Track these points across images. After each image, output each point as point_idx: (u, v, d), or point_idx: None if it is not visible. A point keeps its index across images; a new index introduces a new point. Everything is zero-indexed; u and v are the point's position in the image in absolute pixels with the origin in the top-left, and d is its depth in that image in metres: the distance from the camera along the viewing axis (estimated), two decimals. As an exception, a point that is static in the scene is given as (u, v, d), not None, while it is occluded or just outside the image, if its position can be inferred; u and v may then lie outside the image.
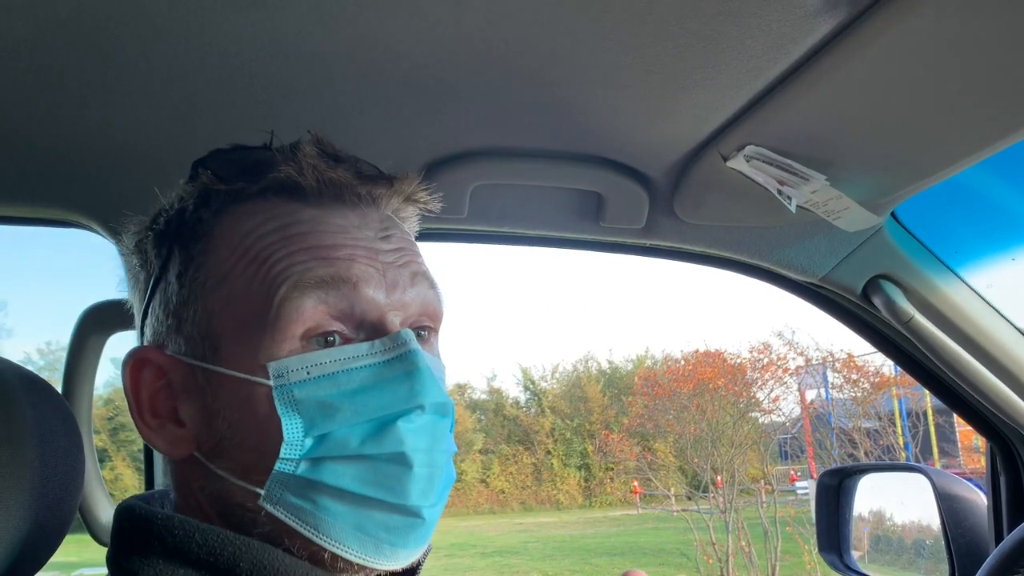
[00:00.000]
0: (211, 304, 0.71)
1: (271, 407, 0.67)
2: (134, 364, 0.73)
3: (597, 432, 22.63)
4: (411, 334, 0.70)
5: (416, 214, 0.82)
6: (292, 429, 0.66)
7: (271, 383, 0.67)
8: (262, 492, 0.67)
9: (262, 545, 0.67)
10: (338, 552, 0.67)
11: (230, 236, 0.72)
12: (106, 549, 1.32)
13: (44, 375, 0.84)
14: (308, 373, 0.67)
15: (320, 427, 0.67)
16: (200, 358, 0.70)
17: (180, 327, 0.72)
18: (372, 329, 0.70)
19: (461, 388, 27.97)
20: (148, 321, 0.76)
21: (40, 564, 0.78)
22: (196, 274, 0.72)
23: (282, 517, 0.67)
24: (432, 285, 0.76)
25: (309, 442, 0.67)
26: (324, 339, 0.69)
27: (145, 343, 0.75)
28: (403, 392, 0.68)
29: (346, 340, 0.70)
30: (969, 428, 1.58)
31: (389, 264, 0.72)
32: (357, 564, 0.68)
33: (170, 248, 0.75)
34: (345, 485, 0.66)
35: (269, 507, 0.67)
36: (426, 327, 0.76)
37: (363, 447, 0.67)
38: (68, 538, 0.85)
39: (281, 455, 0.66)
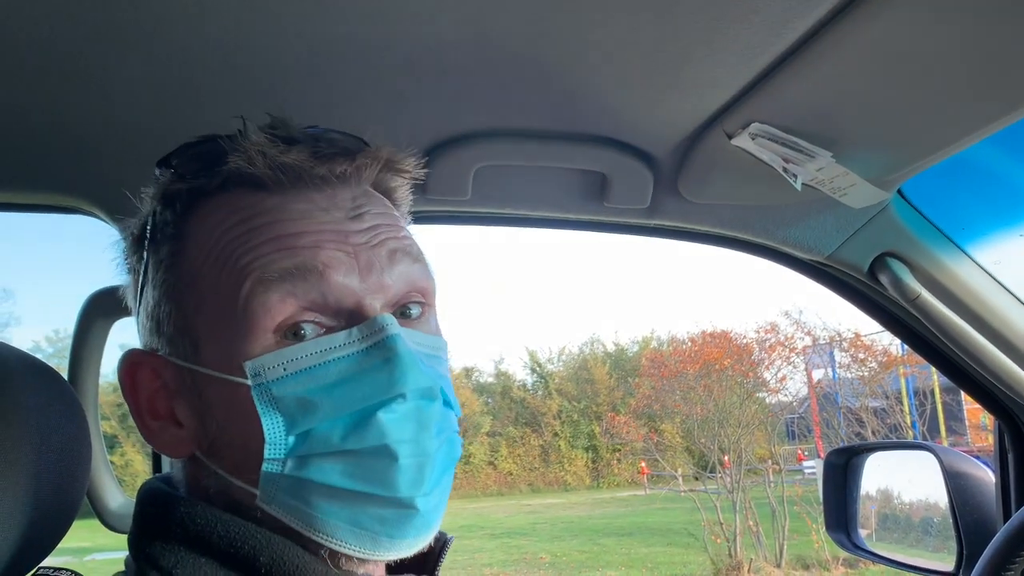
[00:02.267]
0: (186, 305, 0.70)
1: (252, 406, 0.65)
2: (128, 367, 0.73)
3: (604, 414, 22.70)
4: (390, 319, 0.67)
5: (406, 184, 0.79)
6: (273, 428, 0.65)
7: (249, 382, 0.65)
8: (257, 492, 0.67)
9: (283, 541, 0.66)
10: (336, 548, 0.66)
11: (196, 234, 0.71)
12: (116, 535, 1.34)
13: (53, 363, 0.84)
14: (285, 369, 0.65)
15: (301, 424, 0.65)
16: (184, 358, 0.70)
17: (159, 329, 0.72)
18: (350, 316, 0.68)
19: (468, 371, 28.08)
20: (139, 323, 0.76)
21: (48, 549, 0.79)
22: (167, 276, 0.71)
23: (278, 515, 0.66)
24: (416, 259, 0.73)
25: (292, 440, 0.65)
26: (296, 332, 0.66)
27: (141, 345, 0.75)
28: (382, 381, 0.65)
29: (328, 330, 0.67)
30: (977, 406, 1.57)
31: (362, 245, 0.69)
32: (357, 558, 0.67)
33: (145, 252, 0.74)
34: (333, 481, 0.65)
35: (265, 507, 0.67)
36: (416, 303, 0.73)
37: (345, 442, 0.65)
38: (80, 523, 0.85)
39: (265, 455, 0.65)
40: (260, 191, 0.70)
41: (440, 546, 0.79)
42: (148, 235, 0.74)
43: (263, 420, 0.65)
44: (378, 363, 0.66)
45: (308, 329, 0.67)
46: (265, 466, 0.65)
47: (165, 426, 0.72)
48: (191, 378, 0.69)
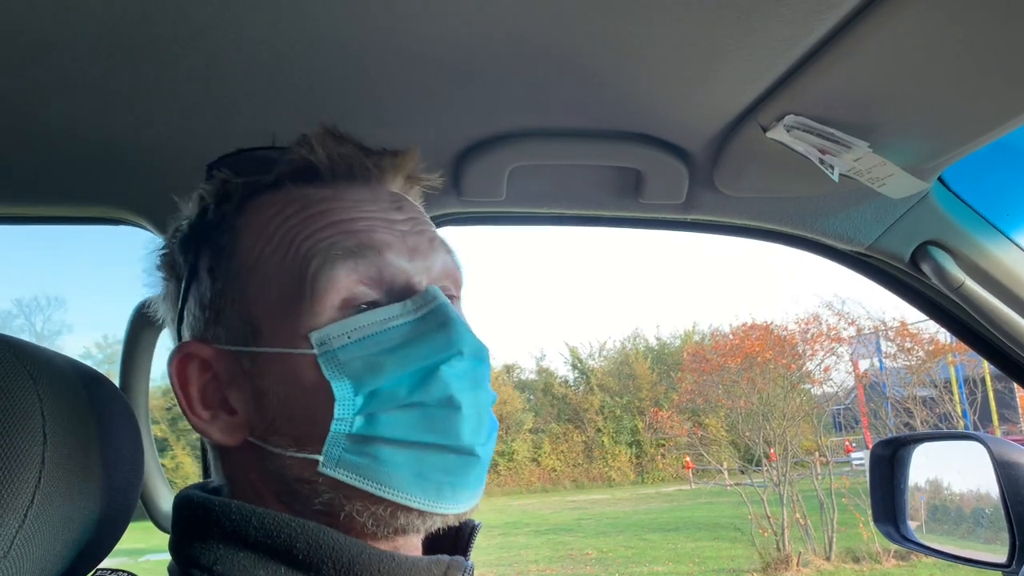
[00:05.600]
0: (246, 290, 0.74)
1: (318, 374, 0.69)
2: (180, 360, 0.75)
3: (647, 409, 22.59)
4: (438, 290, 0.74)
5: (420, 196, 0.86)
6: (342, 389, 0.69)
7: (315, 352, 0.69)
8: (320, 458, 0.69)
9: (317, 526, 0.69)
10: (401, 501, 0.69)
11: (254, 225, 0.75)
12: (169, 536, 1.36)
13: (104, 368, 0.86)
14: (349, 337, 0.70)
15: (368, 384, 0.69)
16: (243, 343, 0.73)
17: (218, 318, 0.75)
18: (401, 292, 0.74)
19: (509, 368, 28.14)
20: (185, 322, 0.78)
21: (107, 551, 0.81)
22: (228, 264, 0.75)
23: (342, 478, 0.69)
24: (449, 251, 0.80)
25: (360, 400, 0.69)
26: (358, 307, 0.72)
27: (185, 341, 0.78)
28: (441, 341, 0.71)
29: (378, 306, 0.73)
30: (1029, 393, 1.54)
31: (406, 232, 0.76)
32: (418, 511, 0.70)
33: (197, 248, 0.78)
34: (400, 435, 0.69)
35: (328, 471, 0.69)
36: (450, 294, 0.79)
37: (412, 395, 0.70)
38: (134, 525, 0.88)
39: (335, 415, 0.69)
40: (312, 185, 0.76)
41: (469, 531, 0.83)
42: (202, 229, 0.78)
43: (332, 383, 0.69)
44: (434, 326, 0.72)
45: (365, 304, 0.72)
46: (334, 426, 0.69)
47: (216, 415, 0.75)
48: (250, 362, 0.72)
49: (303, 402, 0.70)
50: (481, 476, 0.73)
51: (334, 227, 0.73)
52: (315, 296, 0.70)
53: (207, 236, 0.77)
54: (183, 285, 0.78)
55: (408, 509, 0.70)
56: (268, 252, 0.74)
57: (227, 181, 0.77)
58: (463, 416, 0.70)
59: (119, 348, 1.35)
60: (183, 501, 0.74)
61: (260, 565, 0.68)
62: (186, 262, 0.79)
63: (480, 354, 0.73)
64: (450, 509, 0.71)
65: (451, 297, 0.79)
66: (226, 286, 0.75)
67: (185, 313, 0.78)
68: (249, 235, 0.75)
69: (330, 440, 0.69)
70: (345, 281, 0.71)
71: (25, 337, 0.76)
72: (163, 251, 0.82)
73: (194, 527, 0.72)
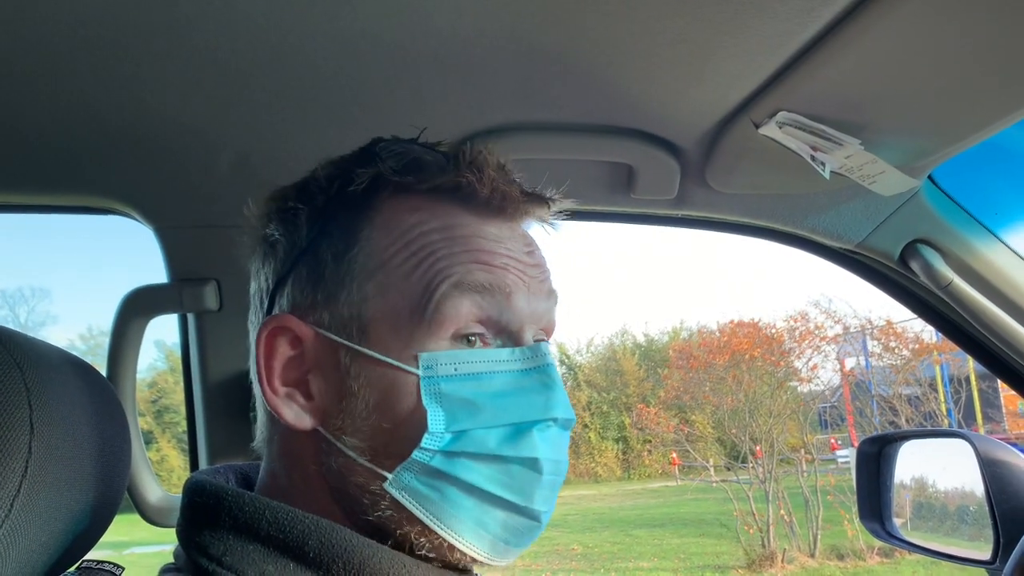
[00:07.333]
0: (366, 287, 0.72)
1: (416, 397, 0.69)
2: (272, 331, 0.74)
3: (634, 405, 22.64)
4: (548, 348, 0.75)
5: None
6: (436, 421, 0.69)
7: (420, 373, 0.69)
8: (389, 476, 0.69)
9: (331, 524, 0.68)
10: (455, 544, 0.70)
11: (392, 225, 0.74)
12: (154, 528, 1.36)
13: (88, 360, 0.86)
14: (455, 369, 0.70)
15: (461, 423, 0.69)
16: (347, 337, 0.72)
17: (330, 303, 0.73)
18: (510, 337, 0.74)
19: (496, 364, 28.02)
20: (285, 291, 0.76)
21: (93, 542, 0.81)
22: (357, 256, 0.74)
23: (405, 503, 0.69)
24: (556, 303, 0.80)
25: (448, 436, 0.69)
26: (468, 339, 0.72)
27: (279, 311, 0.76)
28: (540, 402, 0.72)
29: (484, 343, 0.73)
30: (1014, 392, 1.55)
31: (532, 279, 0.77)
32: (470, 557, 0.71)
33: (325, 224, 0.76)
34: (476, 482, 0.69)
35: (394, 492, 0.69)
36: (541, 339, 0.79)
37: (499, 448, 0.70)
38: (119, 518, 0.87)
39: (422, 445, 0.69)
40: (459, 205, 0.76)
41: None
42: (338, 207, 0.76)
43: (429, 412, 0.69)
44: (538, 385, 0.73)
45: (475, 339, 0.73)
46: (416, 454, 0.69)
47: (292, 394, 0.73)
48: (348, 357, 0.72)
49: (392, 419, 0.70)
50: (535, 538, 0.74)
51: (472, 256, 0.73)
52: (436, 319, 0.70)
53: (339, 216, 0.76)
54: (295, 254, 0.76)
55: (460, 552, 0.71)
56: (399, 259, 0.73)
57: (382, 172, 0.76)
58: (542, 481, 0.71)
59: (103, 340, 1.34)
60: (194, 487, 0.73)
61: (270, 560, 0.67)
62: (310, 231, 0.76)
63: (570, 424, 0.75)
64: (497, 562, 0.73)
65: (542, 341, 0.80)
66: (347, 275, 0.73)
67: (290, 282, 0.76)
68: (384, 233, 0.74)
69: (406, 464, 0.69)
70: (467, 313, 0.71)
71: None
72: (288, 206, 0.78)
73: (204, 515, 0.71)
